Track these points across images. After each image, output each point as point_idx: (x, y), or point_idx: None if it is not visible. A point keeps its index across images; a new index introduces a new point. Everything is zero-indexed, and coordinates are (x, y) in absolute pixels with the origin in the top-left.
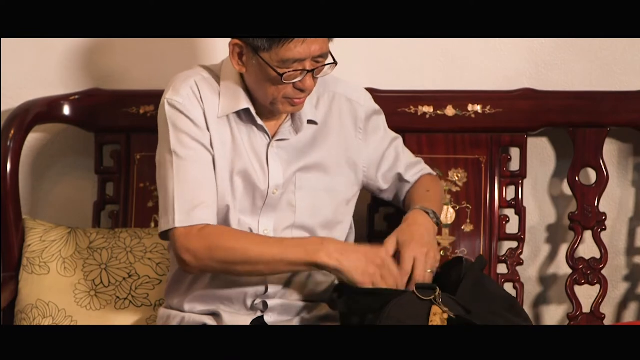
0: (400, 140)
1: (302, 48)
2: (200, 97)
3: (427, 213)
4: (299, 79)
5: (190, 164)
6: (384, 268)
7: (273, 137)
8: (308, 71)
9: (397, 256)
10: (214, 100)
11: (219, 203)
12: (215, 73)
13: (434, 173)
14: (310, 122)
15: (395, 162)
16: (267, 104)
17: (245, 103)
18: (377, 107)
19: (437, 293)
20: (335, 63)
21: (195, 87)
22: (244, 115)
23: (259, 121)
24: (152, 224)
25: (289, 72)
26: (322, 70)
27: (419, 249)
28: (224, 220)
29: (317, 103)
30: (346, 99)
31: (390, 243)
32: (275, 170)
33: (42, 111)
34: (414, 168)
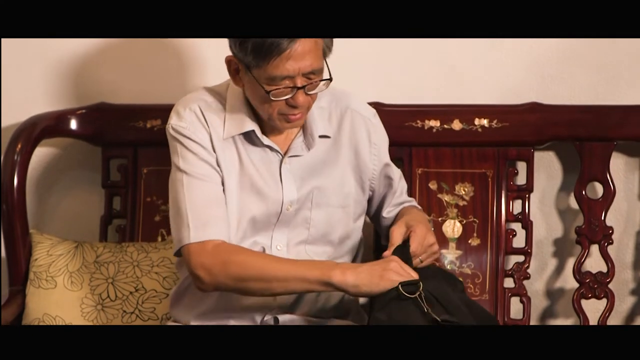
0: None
1: (289, 65)
2: (205, 121)
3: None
4: (289, 95)
5: (200, 183)
6: (399, 269)
7: (285, 153)
8: (298, 88)
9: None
10: (219, 123)
11: (230, 223)
12: (220, 94)
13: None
14: (322, 137)
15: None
16: (267, 120)
17: (250, 125)
18: (386, 135)
19: (420, 289)
20: (330, 79)
21: (199, 111)
22: (253, 135)
23: (266, 141)
24: (159, 238)
25: (276, 89)
26: (317, 87)
27: (430, 234)
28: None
29: (329, 117)
30: (359, 115)
31: (401, 227)
32: (289, 186)
33: (49, 125)
34: (411, 200)
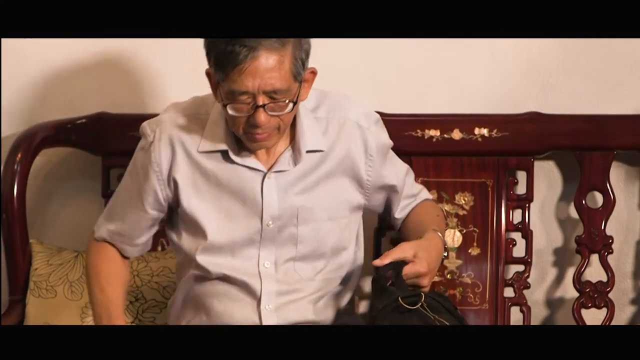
0: (411, 172)
1: (247, 79)
2: (171, 141)
3: (444, 242)
4: (249, 113)
5: (123, 192)
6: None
7: (270, 168)
8: (258, 106)
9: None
10: (197, 136)
11: (213, 239)
12: (208, 105)
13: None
14: (312, 151)
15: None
16: (239, 137)
17: (224, 144)
18: (388, 141)
19: (422, 300)
20: (294, 102)
21: (169, 127)
22: (228, 153)
23: (239, 161)
24: (159, 248)
25: (233, 103)
26: (283, 109)
27: (430, 272)
28: (221, 258)
29: (325, 129)
30: (357, 125)
31: (408, 250)
32: (270, 202)
33: (49, 135)
34: (420, 191)
